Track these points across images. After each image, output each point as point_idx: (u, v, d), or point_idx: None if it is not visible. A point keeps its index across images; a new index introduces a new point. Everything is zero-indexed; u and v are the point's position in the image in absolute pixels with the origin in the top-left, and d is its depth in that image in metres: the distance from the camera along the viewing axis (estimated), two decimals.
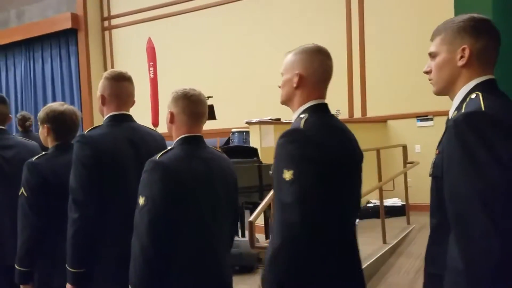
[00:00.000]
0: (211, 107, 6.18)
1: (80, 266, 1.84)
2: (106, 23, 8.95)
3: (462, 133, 1.13)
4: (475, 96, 1.21)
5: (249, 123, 5.34)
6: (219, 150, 1.93)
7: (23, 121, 4.58)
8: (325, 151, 1.41)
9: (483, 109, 1.15)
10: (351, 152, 1.53)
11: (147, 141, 1.98)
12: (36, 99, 9.33)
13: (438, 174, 1.26)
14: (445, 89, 1.33)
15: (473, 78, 1.27)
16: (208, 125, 7.24)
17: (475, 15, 1.29)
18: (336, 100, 6.29)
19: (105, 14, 8.95)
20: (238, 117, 6.14)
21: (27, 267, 2.06)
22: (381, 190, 4.71)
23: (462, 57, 1.27)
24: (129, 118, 2.02)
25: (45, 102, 9.10)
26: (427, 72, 1.37)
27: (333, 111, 5.44)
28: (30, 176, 2.04)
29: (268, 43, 7.00)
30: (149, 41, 6.49)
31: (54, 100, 8.86)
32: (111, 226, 1.85)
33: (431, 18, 6.09)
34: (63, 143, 2.15)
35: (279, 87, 1.60)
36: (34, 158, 2.11)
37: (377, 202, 5.15)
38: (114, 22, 8.88)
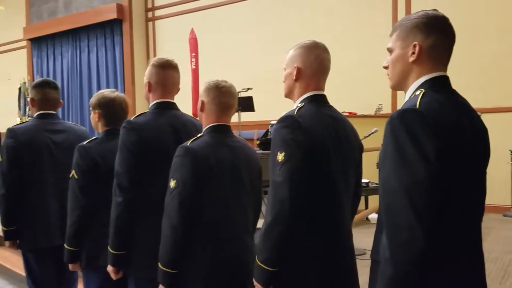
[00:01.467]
0: (250, 99, 6.21)
1: (121, 248, 1.90)
2: (150, 14, 9.10)
3: (395, 129, 1.19)
4: (418, 93, 1.25)
5: None
6: (243, 139, 1.99)
7: None
8: (313, 137, 1.52)
9: (417, 106, 1.20)
10: (343, 140, 1.62)
11: (189, 129, 2.01)
12: (81, 87, 9.58)
13: (379, 166, 1.32)
14: (399, 84, 1.37)
15: (423, 75, 1.30)
16: (247, 117, 7.32)
17: (430, 12, 1.31)
18: (378, 95, 6.17)
19: (149, 5, 9.09)
20: (277, 109, 6.11)
21: (75, 247, 2.14)
22: None
23: (413, 53, 1.30)
24: (173, 106, 2.06)
25: (90, 90, 9.38)
26: (386, 67, 1.40)
27: (374, 105, 5.37)
28: (81, 159, 2.11)
29: (310, 34, 6.92)
30: (192, 32, 6.56)
31: (98, 88, 9.09)
32: (151, 211, 1.89)
33: (476, 7, 5.91)
34: (112, 129, 2.21)
35: (283, 81, 1.72)
36: (85, 142, 2.17)
37: None
38: (157, 13, 9.02)
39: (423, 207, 1.12)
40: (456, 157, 1.19)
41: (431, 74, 1.30)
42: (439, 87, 1.28)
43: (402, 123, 1.18)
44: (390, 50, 1.38)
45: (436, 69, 1.30)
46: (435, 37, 1.28)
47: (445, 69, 1.33)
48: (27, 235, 2.53)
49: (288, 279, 1.54)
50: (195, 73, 6.48)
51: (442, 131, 1.17)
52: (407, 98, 1.33)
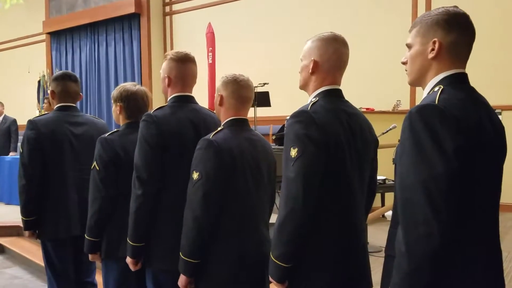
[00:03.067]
0: (266, 94, 6.20)
1: (140, 240, 1.92)
2: (167, 8, 9.14)
3: (414, 124, 1.18)
4: (437, 89, 1.25)
5: None
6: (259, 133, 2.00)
7: None
8: (327, 132, 1.50)
9: (436, 102, 1.19)
10: (357, 135, 1.60)
11: (207, 123, 2.02)
12: (99, 81, 9.68)
13: (396, 161, 1.31)
14: (417, 81, 1.37)
15: (442, 71, 1.30)
16: (262, 112, 7.31)
17: (451, 8, 1.29)
18: (397, 91, 6.11)
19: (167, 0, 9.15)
20: (293, 104, 6.09)
21: (95, 237, 2.16)
22: None
23: (432, 49, 1.29)
24: (192, 99, 2.06)
25: (108, 84, 9.47)
26: (404, 63, 1.39)
27: (393, 101, 5.32)
28: (103, 151, 2.13)
29: (329, 29, 6.85)
30: (209, 26, 6.57)
31: (116, 82, 9.18)
32: (170, 203, 1.91)
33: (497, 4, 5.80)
34: (134, 122, 2.23)
35: (299, 72, 1.70)
36: (107, 135, 2.19)
37: None
38: (175, 7, 9.05)
39: (441, 203, 1.12)
40: (475, 154, 1.17)
41: (450, 70, 1.29)
42: (458, 84, 1.27)
43: (421, 119, 1.17)
44: (409, 46, 1.37)
45: (455, 66, 1.29)
46: (455, 34, 1.27)
47: (464, 66, 1.32)
48: (47, 225, 2.56)
49: (302, 275, 1.54)
50: (212, 67, 6.49)
51: (461, 127, 1.16)
52: (425, 94, 1.32)
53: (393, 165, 1.37)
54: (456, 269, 1.18)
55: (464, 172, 1.14)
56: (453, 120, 1.16)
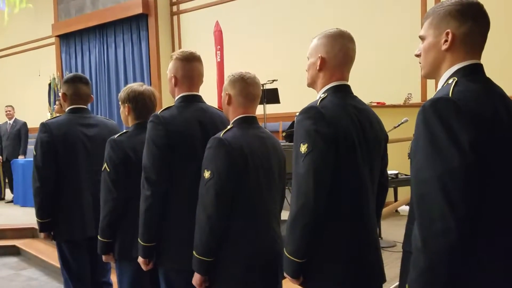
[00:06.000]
0: (275, 91, 6.18)
1: (151, 240, 1.93)
2: (174, 8, 9.15)
3: (428, 118, 1.17)
4: (451, 81, 1.22)
5: None
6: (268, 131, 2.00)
7: None
8: (336, 127, 1.50)
9: (450, 95, 1.17)
10: (367, 131, 1.60)
11: (215, 122, 2.01)
12: (109, 82, 9.73)
13: (411, 156, 1.29)
14: (431, 73, 1.35)
15: (457, 63, 1.28)
16: (272, 109, 7.26)
17: None
18: (408, 84, 6.06)
19: None
20: (302, 100, 6.07)
21: (108, 238, 2.18)
22: None
23: (446, 41, 1.28)
24: (199, 98, 2.06)
25: (117, 85, 9.52)
26: (417, 56, 1.37)
27: (404, 95, 5.27)
28: (113, 153, 2.14)
29: (338, 24, 6.80)
30: (217, 24, 6.56)
31: (126, 83, 9.21)
32: (179, 203, 1.91)
33: None
34: (142, 122, 2.23)
35: (306, 70, 1.70)
36: (116, 136, 2.20)
37: None
38: (182, 6, 9.05)
39: (457, 197, 1.10)
40: (491, 147, 1.15)
41: (465, 62, 1.27)
42: (473, 75, 1.25)
43: (435, 112, 1.16)
44: (422, 38, 1.35)
45: (470, 57, 1.27)
46: (469, 24, 1.25)
47: (479, 57, 1.30)
48: (62, 227, 2.59)
49: (314, 268, 1.55)
50: (220, 66, 6.48)
51: (476, 120, 1.14)
52: (439, 87, 1.30)
53: (408, 160, 1.36)
54: (475, 264, 1.16)
55: (480, 165, 1.12)
56: (468, 113, 1.14)
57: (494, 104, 1.21)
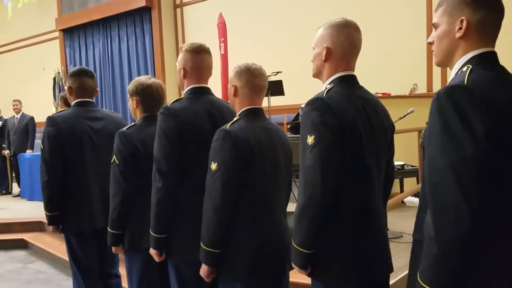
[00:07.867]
0: (279, 83, 6.16)
1: (162, 231, 1.94)
2: (178, 0, 9.11)
3: (442, 106, 1.15)
4: (466, 69, 1.21)
5: None
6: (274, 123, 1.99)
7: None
8: (343, 118, 1.50)
9: (465, 83, 1.16)
10: (374, 121, 1.59)
11: (224, 114, 2.02)
12: (113, 76, 9.73)
13: (424, 145, 1.28)
14: (445, 61, 1.34)
15: (471, 50, 1.26)
16: (276, 101, 7.24)
17: None
18: (413, 74, 6.02)
19: None
20: (306, 92, 6.04)
21: (118, 230, 2.19)
22: None
23: (460, 28, 1.26)
24: (208, 91, 2.06)
25: (122, 79, 9.52)
26: (430, 43, 1.35)
27: (409, 85, 5.24)
28: (122, 145, 2.15)
29: (343, 14, 6.73)
30: (220, 16, 6.53)
31: (130, 76, 9.23)
32: (190, 195, 1.92)
33: None
34: (150, 115, 2.24)
35: (312, 61, 1.68)
36: (125, 129, 2.21)
37: None
38: None
39: (471, 186, 1.09)
40: (506, 135, 1.14)
41: (479, 50, 1.25)
42: (487, 63, 1.24)
43: (449, 100, 1.14)
44: (435, 26, 1.34)
45: (484, 45, 1.26)
46: (483, 12, 1.24)
47: (493, 45, 1.28)
48: (70, 220, 2.61)
49: (323, 261, 1.55)
50: (224, 58, 6.47)
51: (491, 108, 1.13)
52: (453, 75, 1.29)
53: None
54: (489, 253, 1.15)
55: (495, 154, 1.11)
56: (482, 101, 1.13)
57: (509, 93, 1.19)
